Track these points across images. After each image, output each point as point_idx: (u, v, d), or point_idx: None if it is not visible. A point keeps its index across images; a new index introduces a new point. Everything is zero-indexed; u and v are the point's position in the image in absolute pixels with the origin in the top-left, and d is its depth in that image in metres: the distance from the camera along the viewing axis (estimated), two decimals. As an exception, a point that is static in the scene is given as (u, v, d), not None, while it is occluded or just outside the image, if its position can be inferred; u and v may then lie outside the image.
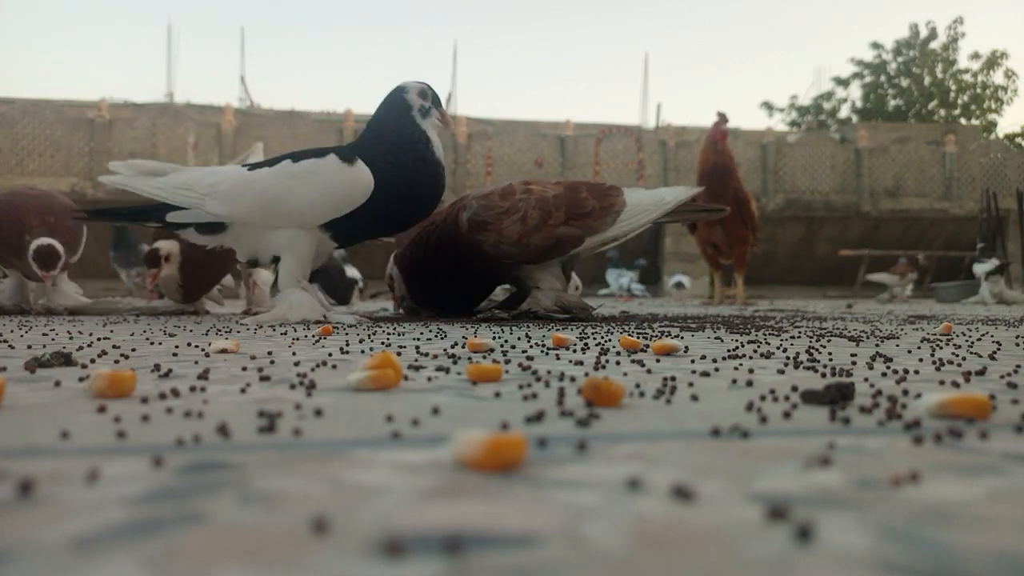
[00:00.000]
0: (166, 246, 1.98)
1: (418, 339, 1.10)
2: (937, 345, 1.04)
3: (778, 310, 2.90)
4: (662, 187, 1.98)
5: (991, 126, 13.13)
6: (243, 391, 0.56)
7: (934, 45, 13.28)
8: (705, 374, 0.67)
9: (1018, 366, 0.76)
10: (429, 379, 0.64)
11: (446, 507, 0.27)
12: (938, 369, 0.74)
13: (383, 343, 1.02)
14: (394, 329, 1.35)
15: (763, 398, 0.53)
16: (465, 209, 1.77)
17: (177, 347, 0.95)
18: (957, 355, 0.88)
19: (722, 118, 3.84)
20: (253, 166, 1.63)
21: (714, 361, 0.79)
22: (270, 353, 0.86)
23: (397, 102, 1.65)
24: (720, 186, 3.71)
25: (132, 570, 0.21)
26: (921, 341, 1.12)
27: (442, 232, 1.80)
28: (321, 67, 39.40)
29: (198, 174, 1.62)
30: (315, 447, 0.37)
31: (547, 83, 44.16)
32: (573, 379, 0.64)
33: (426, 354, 0.85)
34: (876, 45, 13.53)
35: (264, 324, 1.45)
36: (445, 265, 1.80)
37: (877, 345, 1.04)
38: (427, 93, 1.66)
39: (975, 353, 0.92)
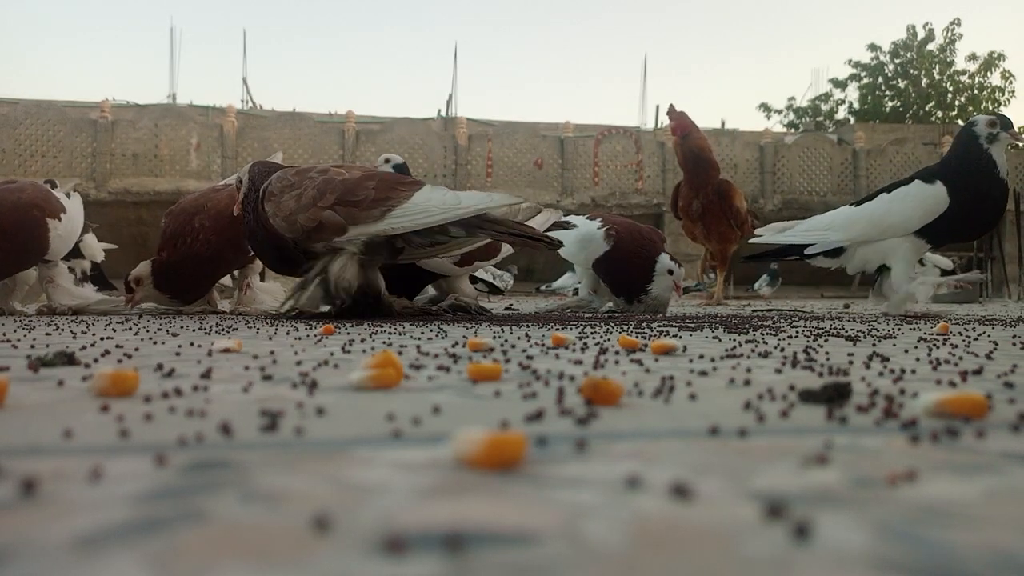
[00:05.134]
0: (135, 272, 2.02)
1: (419, 339, 1.10)
2: (934, 345, 1.05)
3: (776, 310, 2.90)
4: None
5: (989, 127, 13.12)
6: (245, 390, 0.56)
7: (931, 47, 13.30)
8: (703, 373, 0.67)
9: (1015, 366, 0.76)
10: (430, 378, 0.64)
11: (447, 505, 0.27)
12: (935, 368, 0.74)
13: (384, 343, 1.02)
14: (395, 329, 1.35)
15: (761, 397, 0.54)
16: (271, 181, 1.77)
17: (180, 346, 0.95)
18: (954, 355, 0.89)
19: (671, 109, 3.59)
20: (858, 202, 2.22)
21: (712, 360, 0.79)
22: (272, 352, 0.86)
23: (964, 135, 2.13)
24: (698, 178, 3.49)
25: (134, 569, 0.21)
26: (918, 341, 1.13)
27: (245, 200, 1.81)
28: (322, 68, 39.41)
29: (814, 220, 2.26)
30: (317, 446, 0.38)
31: (547, 84, 44.15)
32: (572, 378, 0.64)
33: (427, 353, 0.85)
34: (873, 47, 13.56)
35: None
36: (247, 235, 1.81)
37: (874, 345, 1.04)
38: (995, 122, 2.11)
39: (972, 353, 0.92)
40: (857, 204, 2.24)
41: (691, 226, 3.59)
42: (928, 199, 2.07)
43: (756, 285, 6.95)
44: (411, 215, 1.65)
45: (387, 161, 2.85)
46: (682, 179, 3.65)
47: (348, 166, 1.78)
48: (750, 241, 2.46)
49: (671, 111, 3.62)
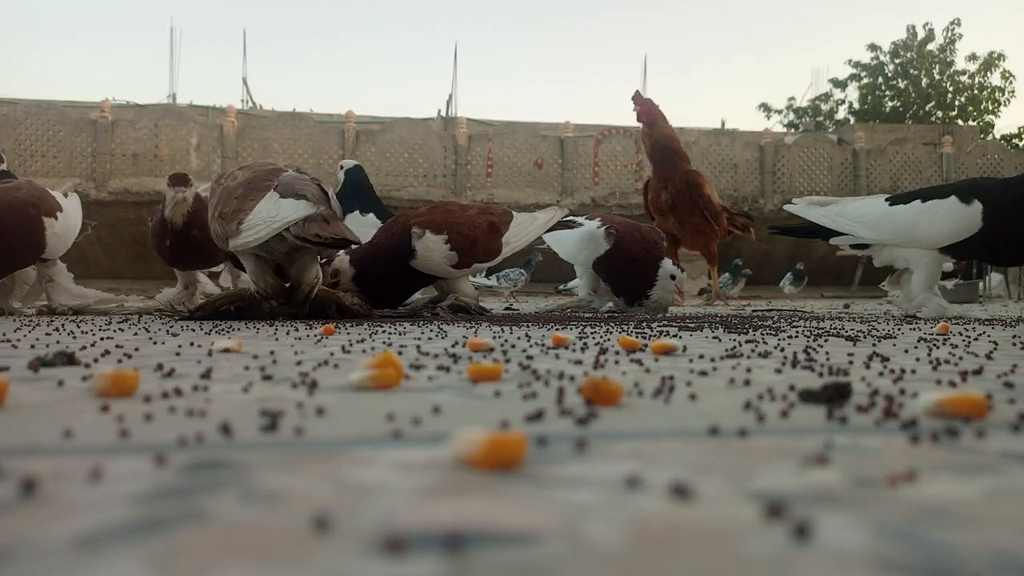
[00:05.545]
0: (196, 184, 2.09)
1: (419, 339, 1.10)
2: (934, 345, 1.05)
3: (775, 310, 2.90)
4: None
5: (988, 127, 13.13)
6: (245, 390, 0.56)
7: (931, 47, 13.29)
8: (703, 373, 0.67)
9: (1015, 366, 0.76)
10: (430, 378, 0.64)
11: (447, 505, 0.27)
12: (935, 368, 0.74)
13: (384, 343, 1.02)
14: (395, 329, 1.35)
15: (761, 397, 0.54)
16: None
17: (180, 346, 0.95)
18: (954, 355, 0.89)
19: (636, 95, 3.49)
20: (892, 200, 2.14)
21: (712, 360, 0.80)
22: (272, 352, 0.86)
23: None
24: (665, 168, 3.40)
25: (135, 568, 0.21)
26: (918, 341, 1.13)
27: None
28: (322, 68, 39.40)
29: (849, 207, 2.16)
30: (317, 446, 0.38)
31: (547, 84, 44.15)
32: (572, 378, 0.64)
33: (427, 353, 0.85)
34: (873, 47, 13.54)
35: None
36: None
37: (874, 345, 1.04)
38: None
39: (972, 353, 0.92)
40: (891, 201, 2.14)
41: (663, 221, 3.43)
42: (960, 220, 1.97)
43: (781, 284, 6.93)
44: (253, 227, 1.57)
45: (341, 168, 2.84)
46: (651, 175, 3.55)
47: (248, 167, 1.75)
48: (785, 207, 2.36)
49: (636, 97, 3.49)
